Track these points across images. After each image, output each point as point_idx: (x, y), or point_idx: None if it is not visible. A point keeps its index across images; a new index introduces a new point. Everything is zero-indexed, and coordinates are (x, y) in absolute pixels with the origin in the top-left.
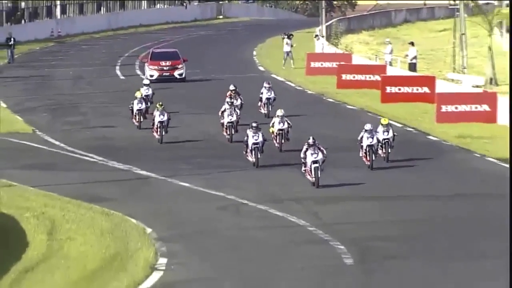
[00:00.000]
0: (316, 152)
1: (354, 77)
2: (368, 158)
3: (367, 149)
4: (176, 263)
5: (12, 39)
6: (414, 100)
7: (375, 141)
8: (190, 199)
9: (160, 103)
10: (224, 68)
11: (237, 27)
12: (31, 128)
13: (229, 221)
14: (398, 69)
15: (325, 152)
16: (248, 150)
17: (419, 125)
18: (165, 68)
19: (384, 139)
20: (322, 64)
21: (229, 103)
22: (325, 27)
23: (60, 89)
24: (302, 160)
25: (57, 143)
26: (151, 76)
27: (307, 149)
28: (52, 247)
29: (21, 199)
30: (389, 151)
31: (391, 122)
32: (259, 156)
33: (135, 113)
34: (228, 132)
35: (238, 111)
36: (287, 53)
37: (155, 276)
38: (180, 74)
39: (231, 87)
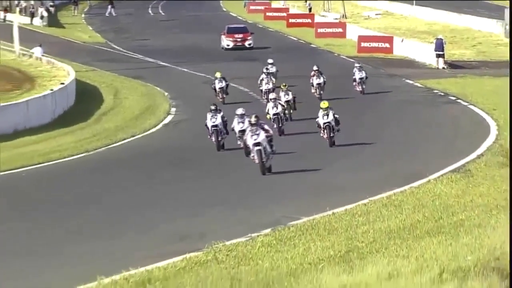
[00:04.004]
0: (257, 133)
1: (272, 14)
2: (240, 143)
3: (240, 134)
4: (180, 111)
5: None
6: (303, 26)
7: (246, 125)
8: (187, 77)
9: (284, 84)
10: (203, 9)
11: None
12: (105, 40)
13: (206, 89)
14: (296, 10)
15: (270, 131)
16: (209, 133)
17: (306, 39)
18: (238, 39)
19: (325, 123)
20: (256, 7)
21: (266, 73)
22: None
23: (119, 20)
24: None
25: (118, 47)
26: (228, 45)
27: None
28: (116, 102)
29: (99, 77)
30: (331, 134)
31: (292, 38)
32: (219, 138)
33: (218, 91)
34: (266, 97)
35: (274, 79)
36: (245, 2)
37: (169, 117)
38: (249, 44)
39: (315, 68)
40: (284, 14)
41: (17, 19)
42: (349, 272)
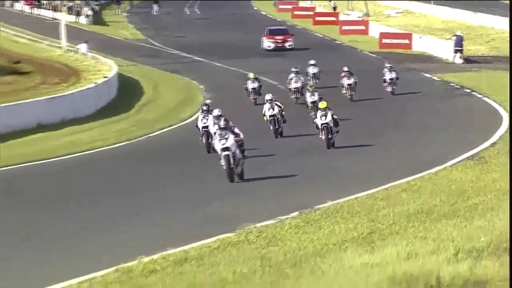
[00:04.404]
0: (225, 137)
1: (300, 13)
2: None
3: (203, 132)
4: (214, 102)
5: None
6: (328, 24)
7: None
8: (221, 71)
9: (311, 85)
10: (235, 8)
11: None
12: (145, 37)
13: (237, 82)
14: (322, 9)
15: (241, 135)
16: (200, 134)
17: (331, 36)
18: (278, 41)
19: (323, 124)
20: (285, 7)
21: (295, 72)
22: None
23: (158, 19)
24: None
25: (157, 44)
26: (269, 47)
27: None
28: (155, 94)
29: (140, 71)
30: (329, 136)
31: (318, 35)
32: (209, 140)
33: (250, 91)
34: (294, 96)
35: (302, 78)
36: (275, 2)
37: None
38: (290, 45)
39: (345, 68)
40: (311, 12)
41: (64, 17)
42: (371, 252)
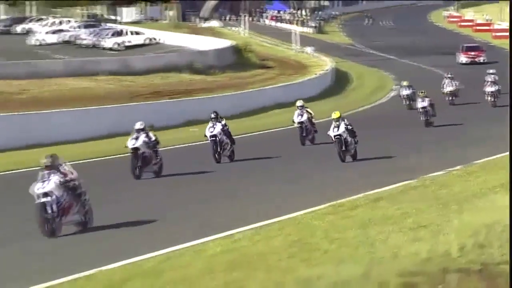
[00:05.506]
0: (44, 179)
1: (465, 24)
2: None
3: (131, 151)
4: (398, 84)
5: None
6: (485, 31)
7: (140, 142)
8: (406, 66)
9: (422, 91)
10: (416, 20)
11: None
12: (352, 42)
13: (417, 73)
14: (480, 20)
15: (72, 174)
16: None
17: (487, 40)
18: (472, 56)
19: (336, 135)
20: (452, 19)
21: (448, 77)
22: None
23: (361, 28)
24: None
25: (361, 46)
26: (462, 61)
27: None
28: (359, 82)
29: (349, 66)
30: (343, 148)
31: (478, 39)
32: (219, 149)
33: (403, 97)
34: (448, 98)
35: (456, 82)
36: (444, 16)
37: (393, 92)
38: (483, 60)
39: (489, 79)
40: (472, 23)
41: (296, 28)
42: None
